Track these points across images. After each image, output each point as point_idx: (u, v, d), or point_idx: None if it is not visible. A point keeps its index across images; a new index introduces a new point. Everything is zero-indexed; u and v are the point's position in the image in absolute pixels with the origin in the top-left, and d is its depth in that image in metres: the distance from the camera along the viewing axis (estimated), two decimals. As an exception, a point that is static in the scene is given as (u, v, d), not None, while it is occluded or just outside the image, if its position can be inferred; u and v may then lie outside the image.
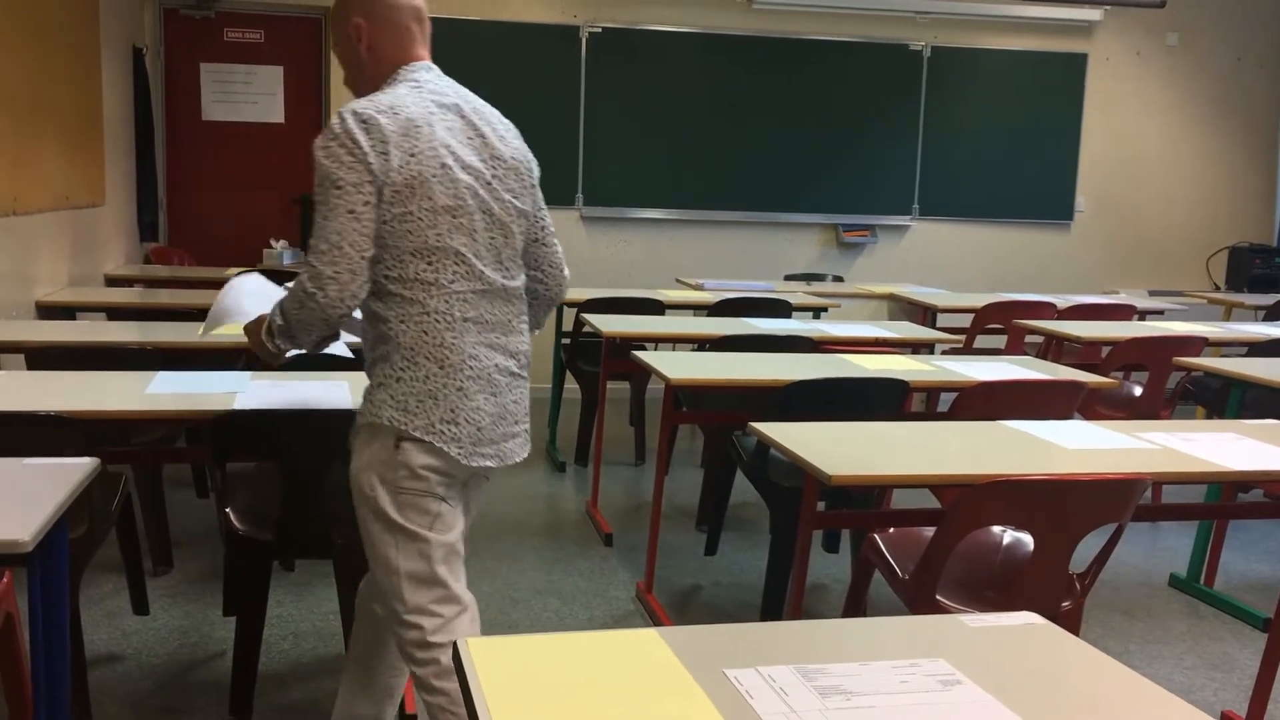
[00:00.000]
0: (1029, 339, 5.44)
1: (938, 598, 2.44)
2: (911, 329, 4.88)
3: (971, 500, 2.28)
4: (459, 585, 2.22)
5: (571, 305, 5.41)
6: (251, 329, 2.27)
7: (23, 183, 4.42)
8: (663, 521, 4.09)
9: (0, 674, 2.26)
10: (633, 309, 5.17)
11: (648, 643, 1.40)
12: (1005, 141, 7.61)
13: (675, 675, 1.31)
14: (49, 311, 4.58)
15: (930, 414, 4.49)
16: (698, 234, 7.33)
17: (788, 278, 7.08)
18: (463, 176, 2.13)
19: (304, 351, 2.26)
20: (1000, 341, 5.69)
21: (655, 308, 5.29)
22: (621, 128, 7.05)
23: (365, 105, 2.09)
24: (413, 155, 2.07)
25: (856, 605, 2.81)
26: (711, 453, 4.91)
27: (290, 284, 2.12)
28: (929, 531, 2.65)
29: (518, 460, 2.26)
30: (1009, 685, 1.33)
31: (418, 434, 2.09)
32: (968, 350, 5.71)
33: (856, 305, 6.91)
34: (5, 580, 2.20)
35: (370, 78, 2.22)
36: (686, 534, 4.52)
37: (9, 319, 4.18)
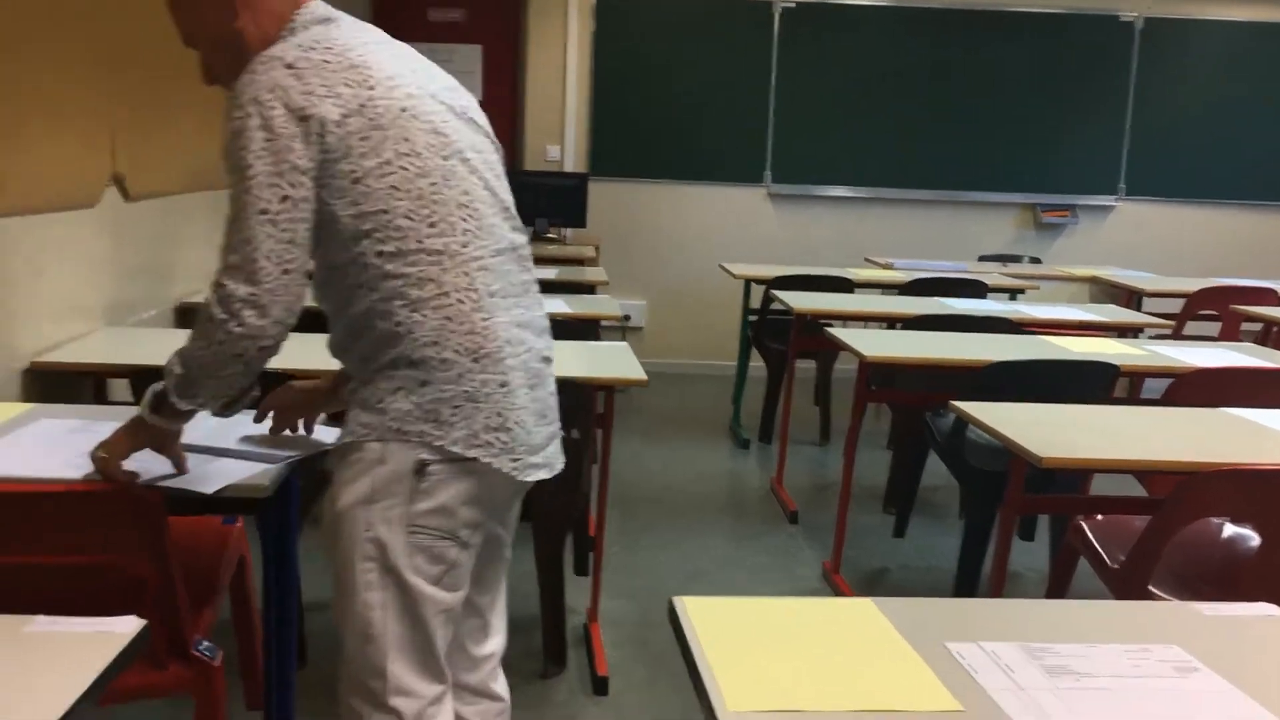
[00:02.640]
0: (1245, 326, 5.12)
1: (1150, 588, 2.33)
2: (1117, 312, 4.66)
3: (1195, 489, 2.17)
4: (468, 663, 1.86)
5: (760, 282, 5.39)
6: (115, 439, 1.74)
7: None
8: (849, 501, 4.03)
9: (233, 613, 2.43)
10: (821, 287, 5.11)
11: (864, 612, 1.39)
12: (1223, 119, 7.15)
13: (895, 645, 1.29)
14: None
15: (1134, 399, 4.29)
16: (887, 212, 7.18)
17: (982, 258, 6.86)
18: (432, 105, 1.68)
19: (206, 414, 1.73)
20: (1212, 329, 5.38)
21: (844, 286, 5.21)
22: (812, 104, 6.95)
23: (278, 51, 1.61)
24: (369, 88, 1.60)
25: (1059, 593, 2.71)
26: (900, 433, 4.82)
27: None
28: (1140, 520, 2.54)
29: (559, 469, 1.80)
30: (1249, 675, 1.26)
31: (457, 449, 1.62)
32: (1177, 336, 5.42)
33: (1055, 288, 6.64)
34: (238, 525, 2.35)
35: (257, 40, 1.66)
36: (873, 515, 4.45)
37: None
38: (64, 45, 2.91)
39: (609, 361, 3.01)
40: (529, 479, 1.72)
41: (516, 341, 1.70)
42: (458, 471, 1.64)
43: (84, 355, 2.88)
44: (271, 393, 1.99)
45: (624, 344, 3.28)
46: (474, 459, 1.64)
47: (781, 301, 4.61)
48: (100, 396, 3.06)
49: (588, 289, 4.62)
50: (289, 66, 1.58)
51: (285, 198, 1.55)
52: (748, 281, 5.58)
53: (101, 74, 3.14)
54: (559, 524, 2.94)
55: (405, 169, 1.61)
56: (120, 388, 3.05)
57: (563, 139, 6.93)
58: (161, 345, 3.05)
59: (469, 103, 1.80)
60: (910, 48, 6.95)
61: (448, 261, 1.63)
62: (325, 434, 2.05)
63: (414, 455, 1.62)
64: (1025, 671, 1.23)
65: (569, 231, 6.57)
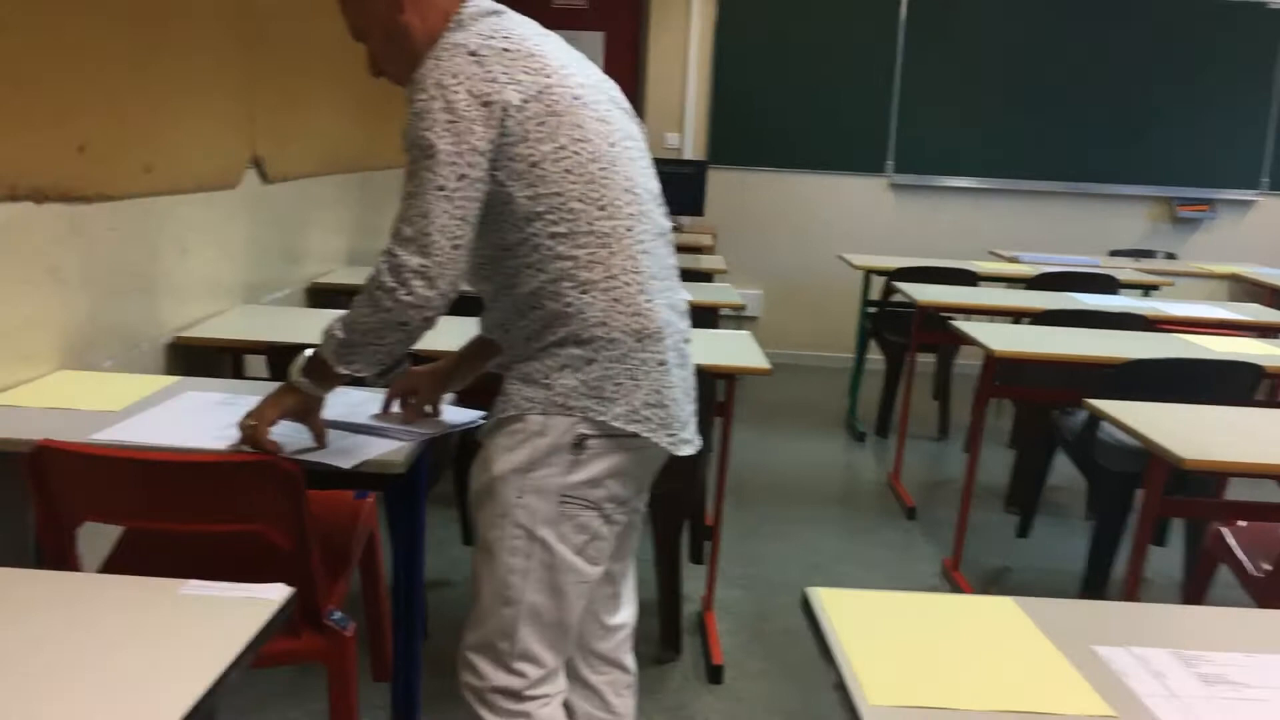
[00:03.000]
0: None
1: (1298, 600, 2.23)
2: (1261, 311, 4.46)
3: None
4: (600, 631, 1.92)
5: (880, 274, 5.30)
6: (263, 407, 1.80)
7: (379, 143, 4.80)
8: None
9: (362, 586, 2.49)
10: (944, 279, 5.00)
11: (1004, 610, 1.36)
12: (1378, 108, 6.79)
13: (1039, 645, 1.26)
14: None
15: (1276, 402, 4.10)
16: (1012, 204, 6.99)
17: (1113, 253, 6.63)
18: (597, 95, 1.76)
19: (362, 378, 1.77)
20: (1363, 331, 5.11)
21: (967, 279, 5.09)
22: (936, 92, 6.80)
23: (460, 38, 1.66)
24: (546, 76, 1.67)
25: (1197, 600, 2.61)
26: (1025, 431, 4.70)
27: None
28: (1288, 529, 2.43)
29: (699, 446, 1.85)
30: None
31: (618, 424, 1.70)
32: (1322, 338, 5.16)
33: (1191, 285, 6.38)
34: (370, 500, 2.41)
35: (423, 35, 1.73)
36: (993, 513, 4.35)
37: (360, 265, 4.56)
38: (208, 29, 3.01)
39: (731, 349, 2.99)
40: (682, 453, 1.78)
41: (670, 323, 1.77)
42: (613, 446, 1.72)
43: (223, 331, 2.98)
44: (396, 380, 2.07)
45: (746, 332, 3.26)
46: (633, 434, 1.71)
47: (904, 294, 4.52)
48: (238, 371, 3.16)
49: (705, 277, 4.61)
50: (472, 54, 1.64)
51: (462, 176, 1.61)
52: (867, 273, 5.50)
53: (243, 58, 3.24)
54: (677, 511, 2.94)
55: (578, 154, 1.67)
56: (256, 363, 3.15)
57: (682, 126, 6.91)
58: (295, 323, 3.17)
59: (619, 93, 1.87)
60: (1040, 33, 6.74)
61: (615, 244, 1.70)
62: (453, 414, 2.09)
63: (574, 429, 1.69)
64: (1179, 678, 1.18)
65: (686, 219, 6.56)
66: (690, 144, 6.92)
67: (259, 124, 3.38)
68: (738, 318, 6.70)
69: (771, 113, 6.81)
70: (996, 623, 1.32)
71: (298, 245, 3.86)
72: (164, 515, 1.85)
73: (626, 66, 6.95)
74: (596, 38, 6.86)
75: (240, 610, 1.24)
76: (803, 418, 5.74)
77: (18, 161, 2.17)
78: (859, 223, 6.95)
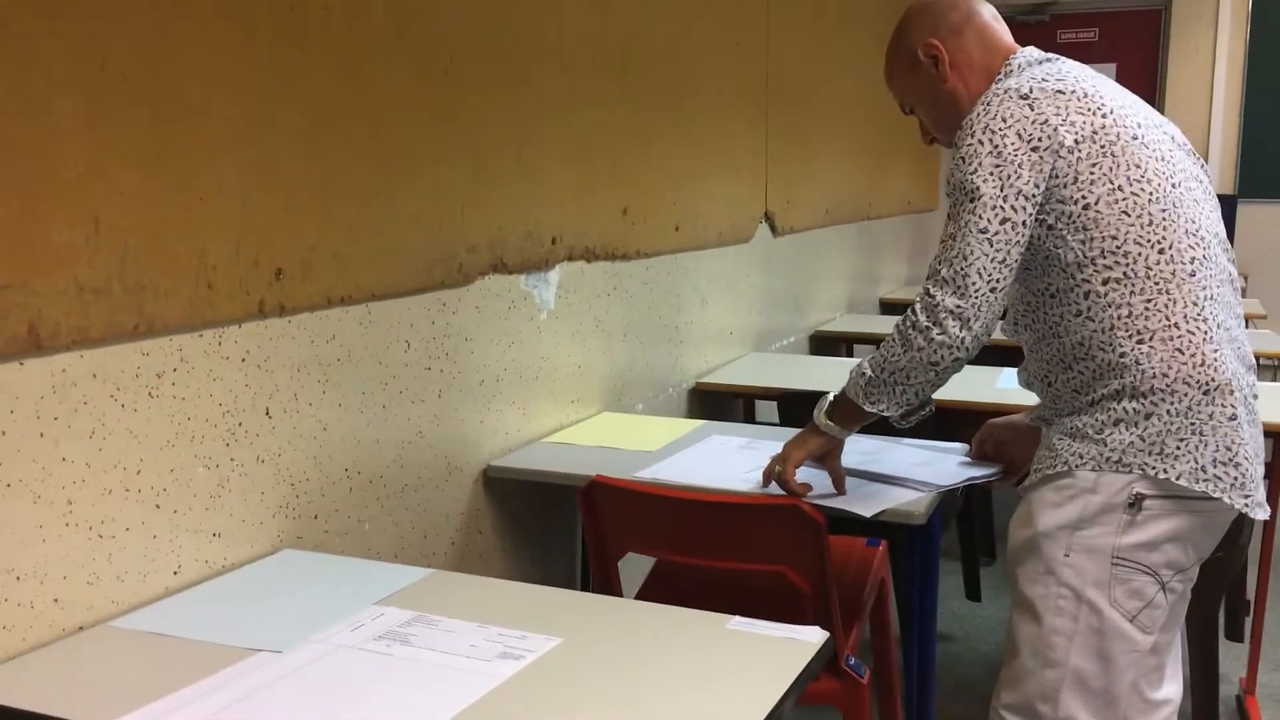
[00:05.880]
0: None
1: None
2: None
3: None
4: (1141, 706, 1.69)
5: None
6: (788, 450, 1.89)
7: (876, 193, 4.86)
8: None
9: (871, 634, 2.49)
10: None
11: None
12: None
13: None
14: (889, 307, 4.99)
15: None
16: None
17: None
18: (1158, 134, 1.68)
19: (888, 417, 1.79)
20: None
21: None
22: None
23: (1013, 84, 1.66)
24: (1102, 115, 1.61)
25: None
26: None
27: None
28: None
29: (1269, 512, 1.67)
30: None
31: (1183, 482, 1.58)
32: None
33: None
34: (882, 548, 2.41)
35: (966, 98, 1.76)
36: None
37: (859, 313, 4.62)
38: (731, 98, 3.22)
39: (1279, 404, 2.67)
40: (1258, 516, 1.64)
41: (1239, 375, 1.65)
42: (1175, 508, 1.61)
43: (737, 378, 3.15)
44: (983, 427, 2.07)
45: (1299, 385, 2.89)
46: (1202, 494, 1.59)
47: None
48: (749, 415, 3.33)
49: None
50: (1024, 97, 1.63)
51: (1006, 220, 1.59)
52: None
53: (760, 121, 3.43)
54: (1216, 582, 2.65)
55: (1137, 195, 1.60)
56: (766, 408, 3.29)
57: (1206, 158, 6.32)
58: (802, 370, 3.28)
59: (1180, 134, 1.78)
60: None
61: (1175, 290, 1.60)
62: (968, 468, 2.05)
63: (1131, 487, 1.61)
64: None
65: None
66: (1216, 176, 6.31)
67: (771, 181, 3.55)
68: (1274, 367, 5.97)
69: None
70: None
71: (803, 294, 4.00)
72: (695, 551, 1.97)
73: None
74: (1108, 69, 6.48)
75: (783, 649, 1.29)
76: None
77: (578, 224, 2.44)
78: None
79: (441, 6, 1.97)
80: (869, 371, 1.73)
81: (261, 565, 1.64)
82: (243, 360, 1.61)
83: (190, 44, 1.49)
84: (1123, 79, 6.44)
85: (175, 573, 1.54)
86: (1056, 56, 1.77)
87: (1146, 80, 6.45)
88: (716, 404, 3.18)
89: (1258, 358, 3.50)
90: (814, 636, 1.32)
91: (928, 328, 1.62)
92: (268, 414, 1.67)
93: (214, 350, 1.57)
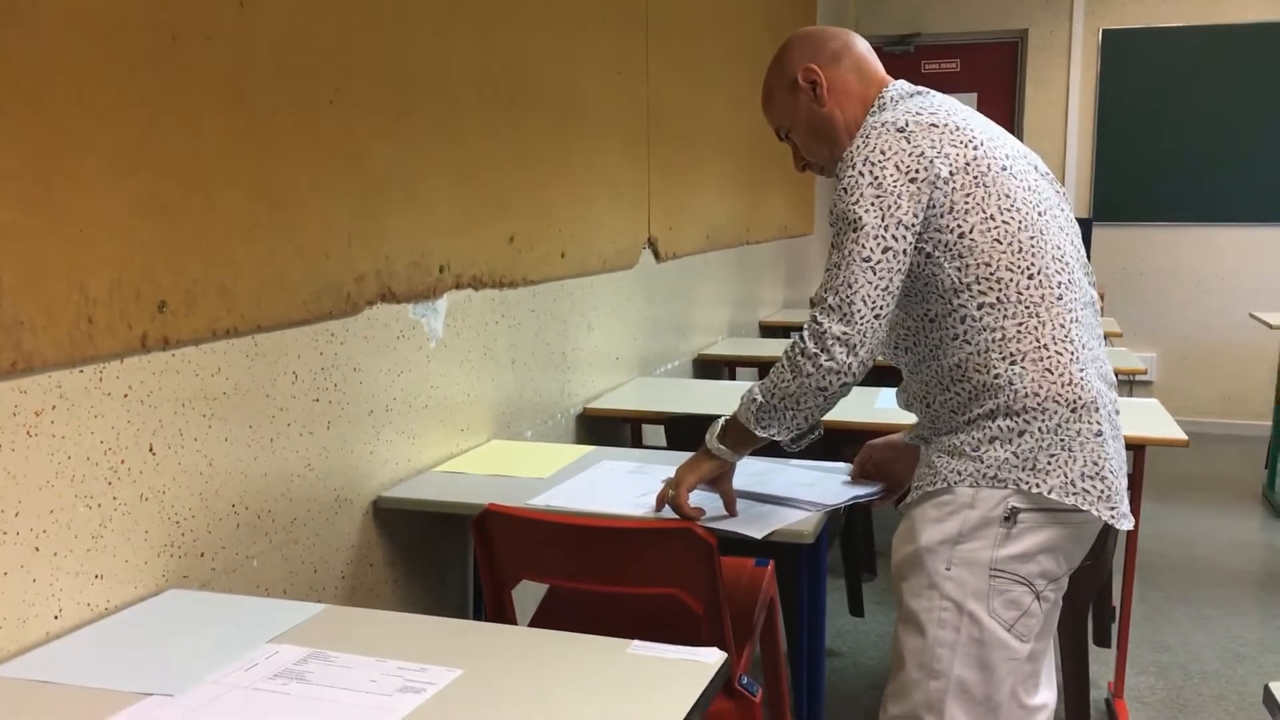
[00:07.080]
0: None
1: None
2: None
3: None
4: (1020, 712, 1.77)
5: (1302, 332, 4.80)
6: (681, 474, 1.90)
7: (755, 218, 4.97)
8: None
9: (763, 652, 2.54)
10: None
11: None
12: None
13: None
14: (769, 330, 5.10)
15: None
16: None
17: None
18: (1023, 165, 1.77)
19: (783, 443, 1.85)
20: None
21: None
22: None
23: (889, 118, 1.72)
24: (974, 148, 1.69)
25: None
26: None
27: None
28: None
29: (1132, 524, 1.76)
30: None
31: (1054, 495, 1.67)
32: None
33: None
34: (770, 568, 2.46)
35: (842, 123, 1.85)
36: None
37: (740, 337, 4.71)
38: (616, 121, 3.26)
39: (1139, 418, 2.82)
40: (1123, 526, 1.72)
41: (1103, 393, 1.73)
42: (1046, 520, 1.69)
43: (624, 403, 3.18)
44: (864, 448, 2.13)
45: (1154, 400, 3.06)
46: (1072, 506, 1.68)
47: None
48: (636, 439, 3.36)
49: (1099, 340, 4.36)
50: (900, 130, 1.69)
51: (887, 249, 1.65)
52: (1287, 331, 4.99)
53: (643, 147, 3.48)
54: (1085, 590, 2.77)
55: (1007, 223, 1.68)
56: (653, 432, 3.32)
57: (1063, 183, 6.63)
58: (687, 393, 3.33)
59: (1041, 162, 1.87)
60: None
61: (1044, 314, 1.68)
62: (851, 487, 2.11)
63: (1006, 501, 1.68)
64: None
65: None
66: (1072, 201, 6.62)
67: (653, 207, 3.60)
68: (1129, 383, 6.28)
69: (1162, 163, 6.38)
70: None
71: (685, 319, 4.06)
72: (589, 576, 1.99)
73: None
74: (970, 99, 6.75)
75: (683, 671, 1.31)
76: (1212, 491, 5.25)
77: (465, 252, 2.44)
78: (1272, 277, 6.32)
79: (325, 37, 1.96)
80: (760, 398, 1.77)
81: (147, 606, 1.60)
82: (125, 396, 1.57)
83: (69, 77, 1.46)
84: (984, 108, 6.74)
85: (56, 617, 1.49)
86: (927, 90, 1.84)
87: (1006, 109, 6.74)
88: (604, 429, 3.21)
89: (1116, 374, 3.69)
90: (713, 658, 1.35)
91: (816, 354, 1.67)
92: (151, 450, 1.63)
93: (95, 386, 1.52)
